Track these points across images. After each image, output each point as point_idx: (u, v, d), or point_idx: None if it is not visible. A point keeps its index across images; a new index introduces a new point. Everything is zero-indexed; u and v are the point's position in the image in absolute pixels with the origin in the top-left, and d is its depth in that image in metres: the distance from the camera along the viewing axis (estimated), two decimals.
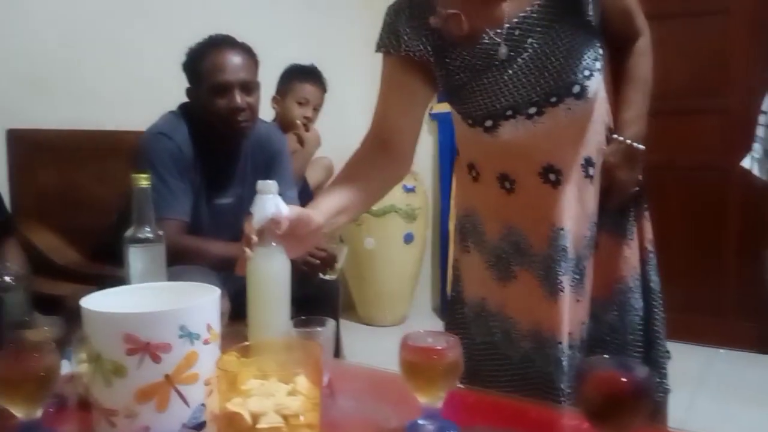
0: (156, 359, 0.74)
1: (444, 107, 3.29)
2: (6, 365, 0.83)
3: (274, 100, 2.52)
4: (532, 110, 1.14)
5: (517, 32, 1.12)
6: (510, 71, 1.14)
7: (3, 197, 1.83)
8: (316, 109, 2.56)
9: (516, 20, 1.12)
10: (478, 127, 1.19)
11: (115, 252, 1.94)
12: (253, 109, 1.86)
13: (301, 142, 2.47)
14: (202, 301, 0.78)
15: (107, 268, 1.84)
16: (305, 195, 2.50)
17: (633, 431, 0.76)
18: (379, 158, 1.25)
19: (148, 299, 0.84)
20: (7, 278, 1.06)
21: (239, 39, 1.93)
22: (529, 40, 1.12)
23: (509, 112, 1.15)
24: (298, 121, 2.47)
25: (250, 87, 1.84)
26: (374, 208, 3.15)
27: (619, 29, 1.21)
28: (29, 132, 2.07)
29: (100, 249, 2.06)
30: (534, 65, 1.13)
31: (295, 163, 2.31)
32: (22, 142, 2.06)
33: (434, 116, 3.43)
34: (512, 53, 1.13)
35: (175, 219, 1.76)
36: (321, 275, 1.88)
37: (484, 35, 1.14)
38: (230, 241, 1.92)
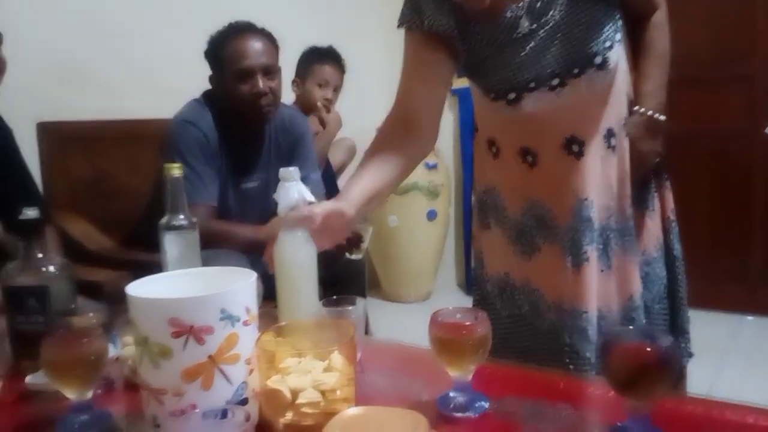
0: (200, 341, 0.78)
1: (465, 82, 3.28)
2: (58, 350, 0.88)
3: (295, 83, 2.54)
4: (555, 82, 1.15)
5: (538, 5, 1.13)
6: (532, 43, 1.15)
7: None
8: (336, 90, 2.58)
9: None
10: (500, 100, 1.21)
11: (146, 237, 2.01)
12: (275, 94, 1.89)
13: (322, 123, 2.50)
14: (240, 285, 0.82)
15: (139, 254, 1.90)
16: (328, 176, 2.53)
17: (658, 399, 0.79)
18: (403, 136, 1.27)
19: (188, 284, 0.88)
20: (51, 268, 1.10)
21: (258, 24, 1.95)
22: (551, 13, 1.13)
23: (532, 84, 1.17)
24: (319, 103, 2.49)
25: (271, 71, 1.87)
26: None
27: (636, 1, 1.21)
28: (59, 124, 2.12)
29: (131, 235, 2.12)
30: (556, 37, 1.14)
31: (317, 144, 2.34)
32: (53, 134, 2.11)
33: (455, 92, 3.42)
34: (534, 26, 1.14)
35: (204, 204, 1.81)
36: (347, 255, 1.91)
37: (506, 8, 1.15)
38: (257, 223, 1.97)
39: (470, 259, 3.32)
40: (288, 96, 2.48)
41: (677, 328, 1.30)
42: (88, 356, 0.88)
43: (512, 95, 1.18)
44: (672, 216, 1.32)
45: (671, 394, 0.79)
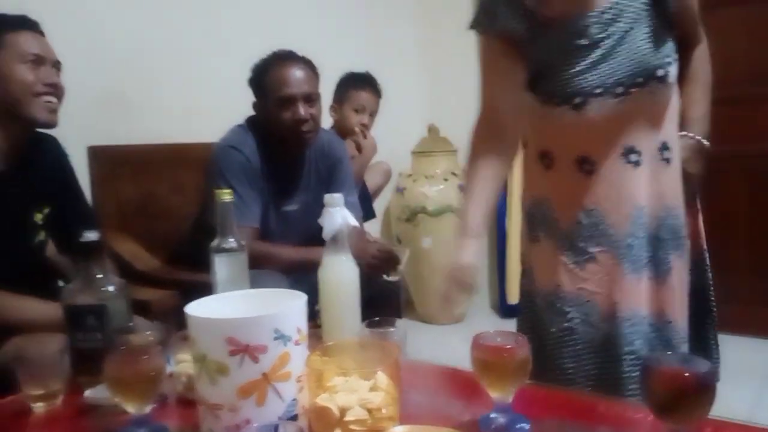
0: (254, 359, 0.82)
1: None
2: (120, 366, 0.93)
3: (332, 108, 2.61)
4: (619, 90, 1.19)
5: (607, 15, 1.19)
6: (600, 51, 1.19)
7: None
8: (372, 116, 2.63)
9: (607, 5, 1.19)
10: (565, 105, 1.24)
11: (190, 257, 2.08)
12: (315, 120, 1.95)
13: (359, 148, 2.55)
14: (292, 307, 0.86)
15: (184, 273, 1.96)
16: (364, 198, 2.58)
17: (696, 423, 0.80)
18: (497, 144, 1.32)
19: (242, 305, 0.93)
20: (110, 287, 1.16)
21: (299, 51, 2.02)
22: (619, 24, 1.18)
23: (598, 90, 1.20)
24: (357, 129, 2.55)
25: (312, 98, 1.93)
26: (430, 208, 3.22)
27: (684, 31, 1.26)
28: (108, 148, 2.21)
29: (175, 255, 2.19)
30: (622, 47, 1.19)
31: (353, 168, 2.39)
32: (102, 158, 2.20)
33: None
34: (602, 34, 1.19)
35: (247, 226, 1.87)
36: (384, 276, 1.95)
37: (576, 17, 1.20)
38: (297, 244, 2.02)
39: (504, 281, 3.33)
40: (326, 121, 2.55)
41: (703, 351, 1.32)
42: (148, 372, 0.93)
43: (578, 99, 1.22)
44: (704, 245, 1.35)
45: (708, 418, 0.81)
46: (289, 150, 2.00)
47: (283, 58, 1.96)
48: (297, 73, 1.92)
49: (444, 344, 2.81)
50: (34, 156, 1.62)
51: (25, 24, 1.52)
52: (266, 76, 1.94)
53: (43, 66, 1.51)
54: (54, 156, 1.71)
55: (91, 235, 1.15)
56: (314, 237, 2.04)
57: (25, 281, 1.54)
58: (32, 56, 1.49)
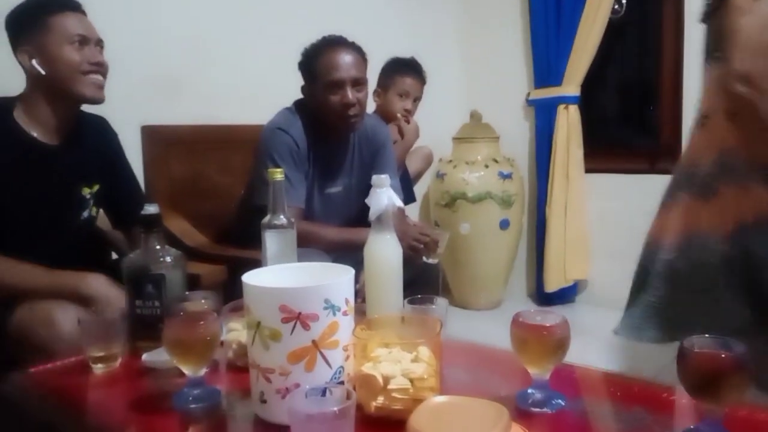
0: (306, 327, 0.87)
1: (541, 94, 3.33)
2: (179, 331, 0.99)
3: (376, 93, 2.63)
4: None
5: None
6: None
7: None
8: (416, 101, 2.65)
9: None
10: None
11: (236, 234, 2.16)
12: (362, 104, 1.99)
13: (401, 134, 2.58)
14: (342, 279, 0.91)
15: (230, 249, 2.04)
16: (405, 182, 2.61)
17: (731, 405, 0.83)
18: None
19: (294, 277, 0.98)
20: (168, 258, 1.23)
21: (347, 35, 2.05)
22: None
23: None
24: (399, 115, 2.57)
25: (360, 83, 1.97)
26: (470, 194, 3.23)
27: None
28: (160, 128, 2.29)
29: (223, 232, 2.27)
30: None
31: (395, 153, 2.42)
32: (154, 137, 2.28)
33: (532, 102, 3.45)
34: None
35: (293, 206, 1.92)
36: (425, 258, 1.99)
37: None
38: (339, 225, 2.07)
39: (542, 269, 3.33)
40: (369, 105, 2.58)
41: None
42: (205, 337, 0.99)
43: None
44: None
45: (745, 400, 0.83)
46: (335, 133, 2.04)
47: (333, 43, 1.99)
48: (346, 58, 1.95)
49: (480, 329, 2.84)
50: (83, 134, 1.68)
51: (68, 5, 1.56)
52: (316, 61, 1.98)
53: (88, 46, 1.55)
54: (104, 135, 1.77)
55: (151, 208, 1.22)
56: (355, 218, 2.11)
57: (73, 253, 1.63)
58: (77, 37, 1.53)
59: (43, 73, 1.51)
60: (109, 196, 1.75)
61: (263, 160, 1.95)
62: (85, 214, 1.68)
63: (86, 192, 1.67)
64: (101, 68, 1.58)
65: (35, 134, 1.55)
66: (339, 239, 1.97)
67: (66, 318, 1.34)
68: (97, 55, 1.58)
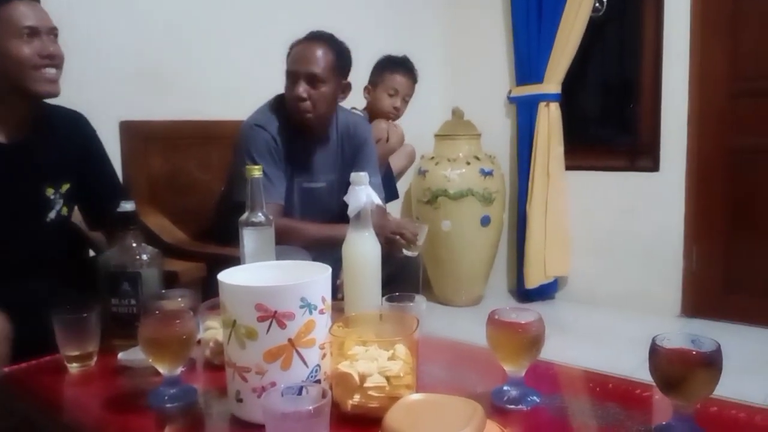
0: (281, 325, 0.87)
1: (524, 90, 3.34)
2: (155, 329, 0.99)
3: (366, 89, 2.62)
4: None
5: None
6: None
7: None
8: (406, 100, 2.64)
9: None
10: None
11: (216, 231, 2.14)
12: (314, 101, 1.94)
13: (386, 136, 2.57)
14: (318, 277, 0.91)
15: (210, 247, 2.02)
16: (388, 179, 2.61)
17: (702, 401, 0.84)
18: None
19: (270, 275, 0.98)
20: (144, 256, 1.22)
21: (338, 33, 2.03)
22: None
23: None
24: (389, 115, 2.57)
25: (317, 80, 1.94)
26: (451, 191, 3.25)
27: None
28: (139, 123, 2.26)
29: (202, 229, 2.26)
30: None
31: (378, 152, 2.41)
32: (133, 133, 2.25)
33: (514, 99, 3.47)
34: None
35: (272, 203, 1.91)
36: (404, 251, 1.99)
37: None
38: (320, 221, 2.07)
39: (522, 265, 3.35)
40: (359, 101, 2.58)
41: None
42: (181, 335, 0.98)
43: None
44: None
45: (714, 397, 0.84)
46: (306, 128, 2.02)
47: (309, 37, 1.99)
48: (307, 52, 1.94)
49: (461, 326, 2.86)
50: (51, 131, 1.61)
51: None
52: (288, 53, 2.00)
53: (38, 37, 1.45)
54: (77, 132, 1.70)
55: (127, 206, 1.21)
56: (336, 214, 2.10)
57: (47, 252, 1.59)
58: (26, 29, 1.43)
59: None
60: (83, 195, 1.69)
61: (241, 156, 1.94)
62: (52, 215, 1.60)
63: (50, 192, 1.59)
64: (54, 60, 1.48)
65: None
66: (319, 235, 1.96)
67: None
68: (49, 46, 1.47)
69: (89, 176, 1.70)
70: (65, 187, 1.62)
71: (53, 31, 1.50)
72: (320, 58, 1.96)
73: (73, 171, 1.64)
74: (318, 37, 2.00)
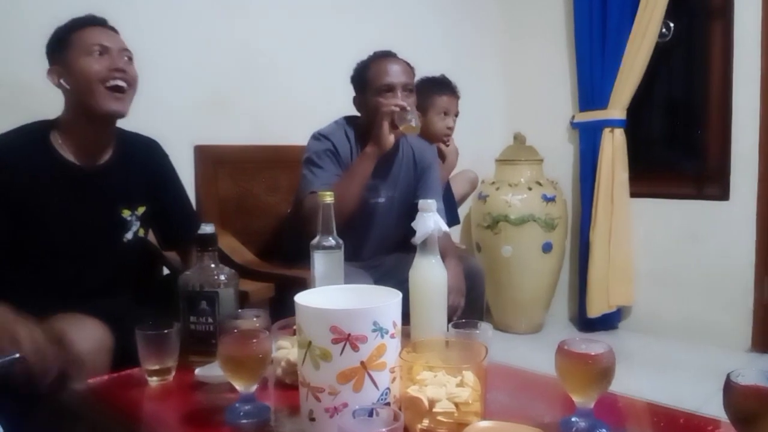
0: (355, 348, 0.90)
1: (587, 116, 3.32)
2: (233, 348, 1.03)
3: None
4: None
5: None
6: None
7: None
8: (455, 117, 2.67)
9: None
10: None
11: (282, 252, 2.20)
12: (413, 114, 2.02)
13: (442, 157, 2.59)
14: (390, 302, 0.94)
15: (278, 267, 2.08)
16: (449, 204, 2.63)
17: None
18: None
19: (344, 298, 1.02)
20: (222, 277, 1.28)
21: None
22: None
23: None
24: (443, 137, 2.59)
25: (409, 90, 2.04)
26: (513, 216, 3.24)
27: None
28: (211, 147, 2.37)
29: (268, 250, 2.33)
30: None
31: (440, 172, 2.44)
32: (206, 156, 2.36)
33: (576, 125, 3.45)
34: None
35: (327, 185, 1.93)
36: (400, 127, 1.97)
37: None
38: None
39: (584, 293, 3.30)
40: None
41: None
42: (257, 354, 1.03)
43: None
44: None
45: None
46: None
47: (384, 54, 2.10)
48: (396, 66, 2.05)
49: (521, 353, 2.83)
50: (128, 155, 1.66)
51: (92, 21, 1.54)
52: (368, 70, 2.07)
53: (109, 54, 1.50)
54: (151, 156, 1.76)
55: (207, 228, 1.28)
56: (392, 230, 2.14)
57: (123, 273, 1.66)
58: (97, 47, 1.48)
59: (68, 88, 1.50)
60: (158, 218, 1.75)
61: (303, 163, 2.04)
62: (129, 236, 1.66)
63: (126, 214, 1.65)
64: (124, 75, 1.51)
65: (70, 157, 1.55)
66: (345, 183, 1.97)
67: (81, 337, 1.31)
68: (120, 62, 1.51)
69: (163, 200, 1.75)
70: (141, 209, 1.68)
71: (125, 53, 1.55)
72: (408, 71, 2.08)
73: (148, 194, 1.70)
74: (394, 54, 2.11)
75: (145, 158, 1.72)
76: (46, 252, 1.53)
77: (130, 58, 1.57)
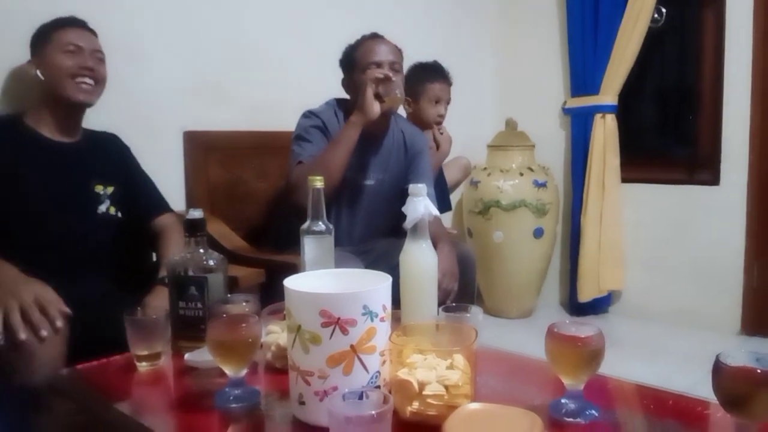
0: (344, 331, 0.90)
1: (578, 102, 3.31)
2: (222, 332, 1.03)
3: (407, 101, 2.62)
4: None
5: None
6: None
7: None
8: (447, 104, 2.65)
9: None
10: None
11: (271, 238, 2.20)
12: (399, 86, 2.02)
13: (436, 144, 2.58)
14: (380, 286, 0.94)
15: (268, 253, 2.08)
16: (442, 190, 2.62)
17: (766, 420, 0.83)
18: None
19: (334, 282, 1.01)
20: (210, 262, 1.27)
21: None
22: None
23: None
24: (435, 128, 2.58)
25: (397, 69, 2.04)
26: (504, 202, 3.24)
27: None
28: (201, 133, 2.35)
29: (258, 235, 2.32)
30: None
31: (432, 160, 2.43)
32: (195, 142, 2.34)
33: (568, 111, 3.44)
34: None
35: (301, 162, 1.97)
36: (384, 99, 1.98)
37: None
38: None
39: (575, 278, 3.31)
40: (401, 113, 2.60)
41: None
42: (246, 339, 1.02)
43: None
44: None
45: None
46: (371, 126, 2.04)
47: (372, 36, 2.10)
48: (383, 46, 2.06)
49: (512, 337, 2.84)
50: (93, 142, 1.80)
51: (71, 22, 1.71)
52: (356, 51, 2.07)
53: (81, 54, 1.68)
54: (114, 147, 1.88)
55: (196, 213, 1.27)
56: (382, 212, 2.14)
57: (102, 251, 1.72)
58: (72, 46, 1.66)
59: (42, 78, 1.66)
60: (126, 201, 1.80)
61: (293, 140, 2.05)
62: (102, 208, 1.74)
63: (99, 189, 1.75)
64: (93, 74, 1.69)
65: (46, 133, 1.69)
66: (331, 149, 1.97)
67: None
68: (90, 61, 1.69)
69: (130, 185, 1.84)
70: (110, 188, 1.77)
71: (97, 53, 1.74)
72: (396, 51, 2.08)
73: (116, 175, 1.80)
74: (382, 36, 2.11)
75: (108, 145, 1.87)
76: (26, 223, 1.60)
77: (102, 59, 1.75)
